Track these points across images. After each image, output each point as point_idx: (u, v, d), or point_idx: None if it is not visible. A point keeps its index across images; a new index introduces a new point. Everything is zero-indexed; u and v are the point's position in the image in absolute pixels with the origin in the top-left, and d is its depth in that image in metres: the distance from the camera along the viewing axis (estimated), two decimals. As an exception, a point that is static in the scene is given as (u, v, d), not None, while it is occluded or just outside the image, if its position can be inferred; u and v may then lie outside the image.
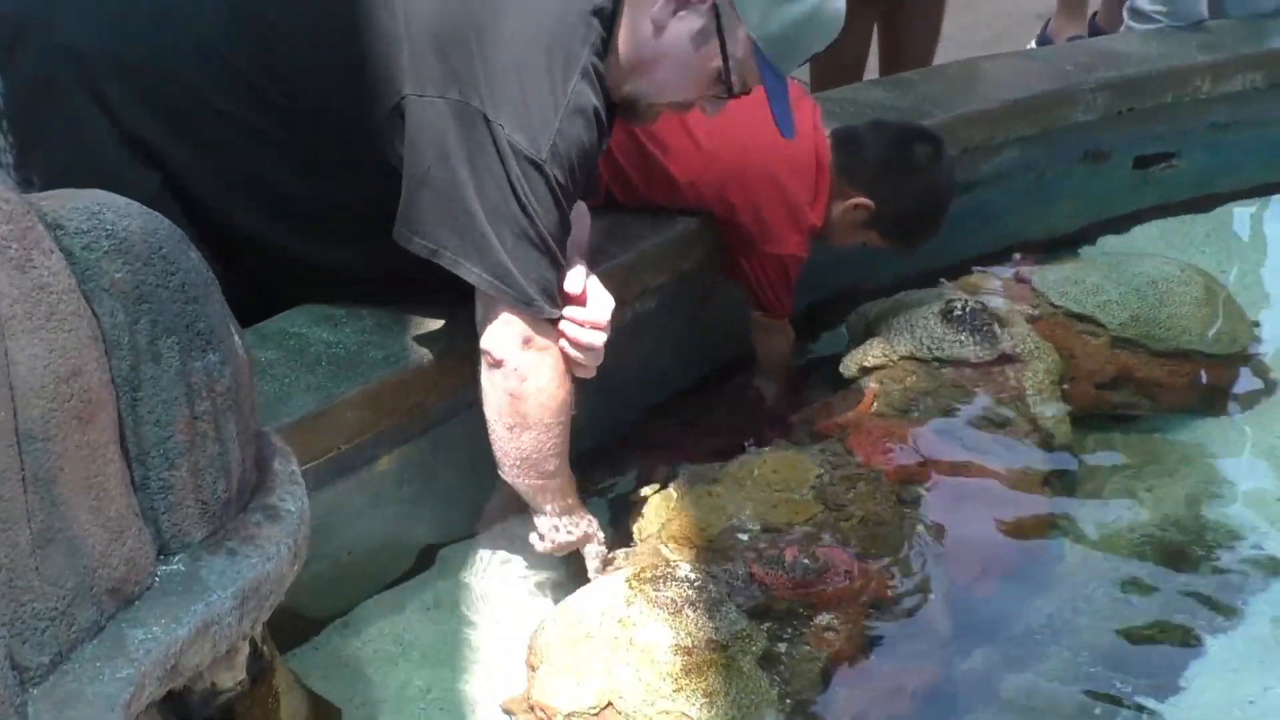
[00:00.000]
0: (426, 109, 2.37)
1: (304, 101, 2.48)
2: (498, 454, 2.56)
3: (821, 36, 2.58)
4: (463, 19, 2.37)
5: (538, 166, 2.36)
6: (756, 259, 3.22)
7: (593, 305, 2.52)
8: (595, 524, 2.70)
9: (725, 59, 2.52)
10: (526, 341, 2.45)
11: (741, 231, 3.15)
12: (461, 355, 2.59)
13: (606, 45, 2.48)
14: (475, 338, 2.53)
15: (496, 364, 2.47)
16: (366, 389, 2.47)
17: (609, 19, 2.48)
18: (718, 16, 2.49)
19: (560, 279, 2.47)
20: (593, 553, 2.69)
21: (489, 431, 2.55)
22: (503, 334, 2.44)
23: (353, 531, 2.56)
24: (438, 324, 2.61)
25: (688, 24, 2.50)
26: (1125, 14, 5.05)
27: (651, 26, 2.51)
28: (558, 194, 2.40)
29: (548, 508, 2.64)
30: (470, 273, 2.39)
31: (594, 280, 2.55)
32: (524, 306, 2.41)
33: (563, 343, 2.49)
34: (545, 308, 2.44)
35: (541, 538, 2.67)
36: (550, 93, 2.37)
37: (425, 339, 2.59)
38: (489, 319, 2.45)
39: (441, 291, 2.53)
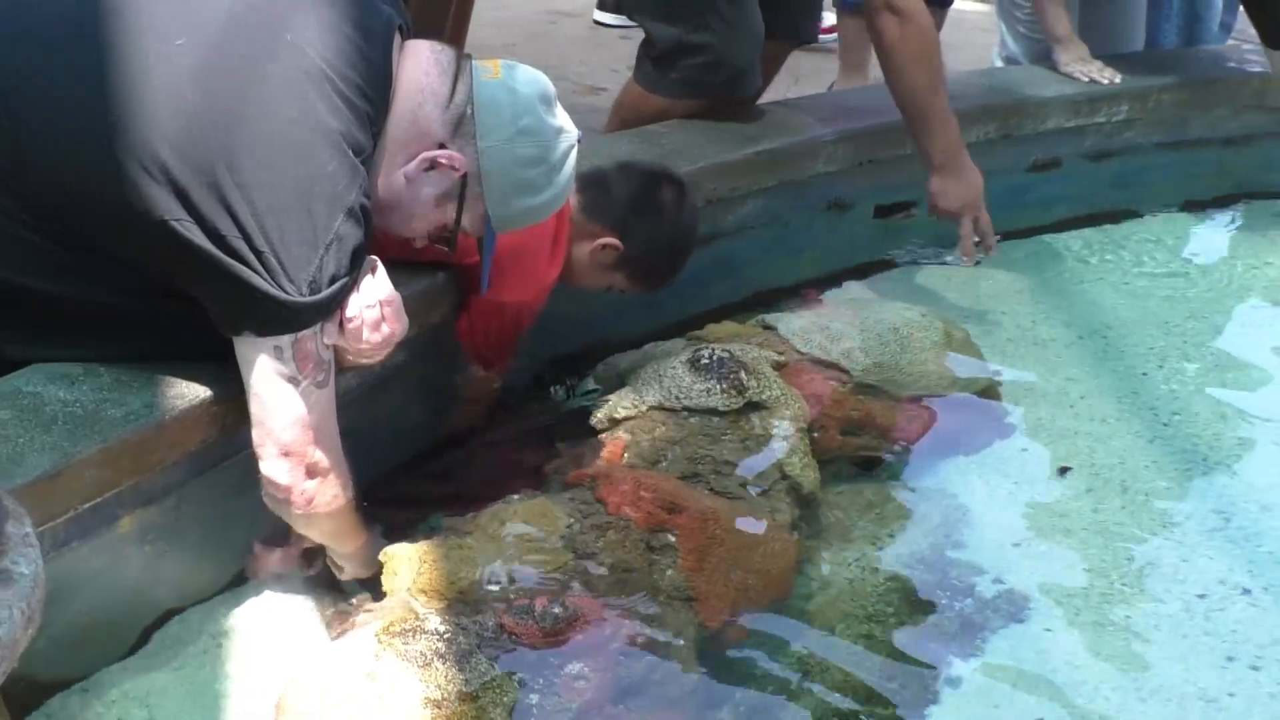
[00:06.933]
0: (195, 236, 2.35)
1: (51, 199, 2.41)
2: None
3: (546, 215, 2.85)
4: (210, 147, 2.34)
5: (297, 306, 2.40)
6: (491, 308, 3.21)
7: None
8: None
9: (458, 220, 2.68)
10: (310, 470, 2.51)
11: (478, 280, 3.14)
12: (205, 412, 2.55)
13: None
14: (219, 394, 2.55)
15: (282, 493, 2.52)
16: (106, 448, 2.40)
17: (366, 162, 2.52)
18: (464, 186, 2.63)
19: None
20: None
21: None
22: (284, 467, 2.49)
23: (93, 593, 2.49)
24: (179, 381, 2.55)
25: (435, 185, 2.64)
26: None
27: (403, 179, 2.62)
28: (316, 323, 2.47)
29: (345, 550, 2.74)
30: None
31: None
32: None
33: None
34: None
35: (341, 570, 2.78)
36: (313, 234, 2.38)
37: (167, 396, 2.53)
38: (265, 449, 2.49)
39: (194, 347, 2.55)
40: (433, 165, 2.61)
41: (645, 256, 3.37)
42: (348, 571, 2.78)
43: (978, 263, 4.43)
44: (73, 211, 2.42)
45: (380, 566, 2.70)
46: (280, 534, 2.78)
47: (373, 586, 2.73)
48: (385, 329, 2.58)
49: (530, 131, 2.65)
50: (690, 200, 3.47)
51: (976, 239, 4.32)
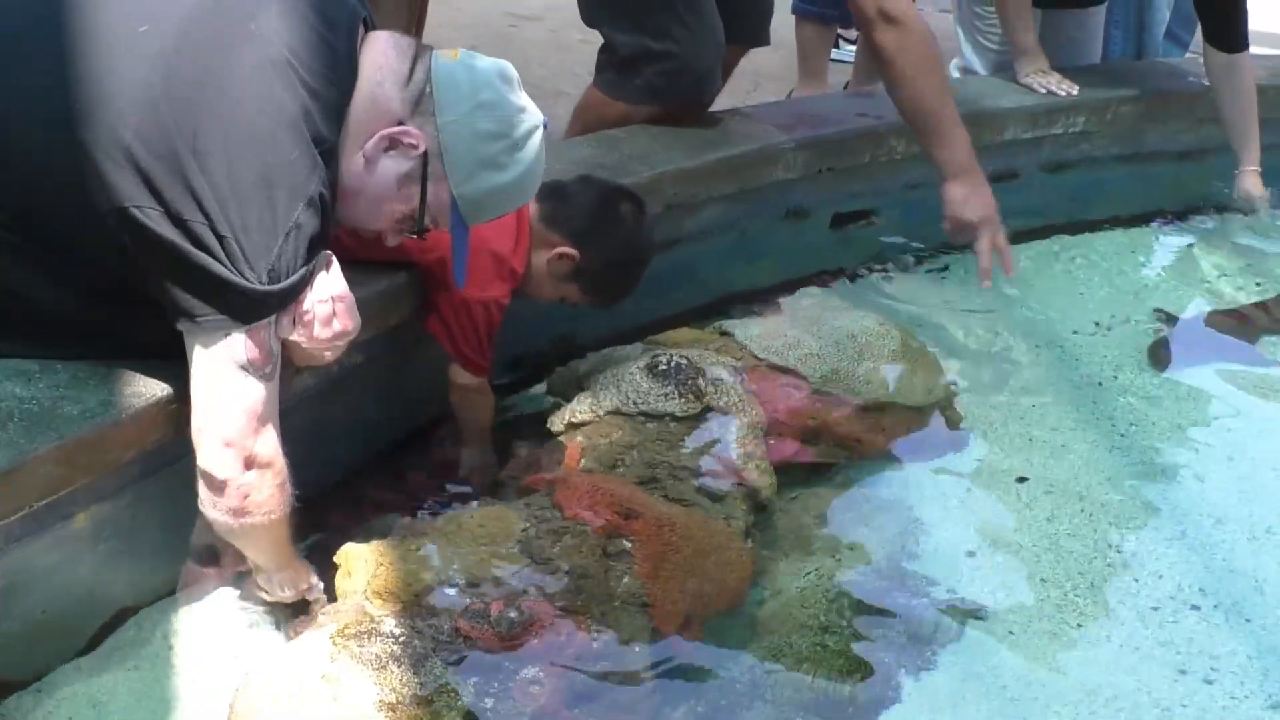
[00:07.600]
0: (158, 223, 2.34)
1: (20, 193, 2.41)
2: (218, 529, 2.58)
3: (516, 202, 2.81)
4: (173, 132, 2.33)
5: (256, 294, 2.38)
6: (459, 305, 3.19)
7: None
8: (312, 570, 2.75)
9: (422, 204, 2.64)
10: (249, 462, 2.46)
11: (443, 277, 3.13)
12: (162, 411, 2.54)
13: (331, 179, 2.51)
14: (176, 392, 2.53)
15: (219, 486, 2.46)
16: (62, 445, 2.39)
17: (330, 153, 2.50)
18: (425, 165, 2.60)
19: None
20: (318, 598, 2.74)
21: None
22: (224, 457, 2.44)
23: (47, 591, 2.48)
24: (136, 379, 2.55)
25: (396, 165, 2.61)
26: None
27: (362, 160, 2.59)
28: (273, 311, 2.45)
29: (274, 565, 2.68)
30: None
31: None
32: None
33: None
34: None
35: (265, 590, 2.71)
36: (273, 222, 2.37)
37: (123, 394, 2.52)
38: (206, 438, 2.44)
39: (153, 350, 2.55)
40: (392, 144, 2.59)
41: (601, 270, 3.36)
42: (272, 593, 2.72)
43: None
44: (40, 206, 2.41)
45: (307, 589, 2.70)
46: (212, 551, 2.76)
47: (328, 589, 2.72)
48: (336, 325, 2.56)
49: (490, 105, 2.63)
50: (648, 220, 3.47)
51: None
